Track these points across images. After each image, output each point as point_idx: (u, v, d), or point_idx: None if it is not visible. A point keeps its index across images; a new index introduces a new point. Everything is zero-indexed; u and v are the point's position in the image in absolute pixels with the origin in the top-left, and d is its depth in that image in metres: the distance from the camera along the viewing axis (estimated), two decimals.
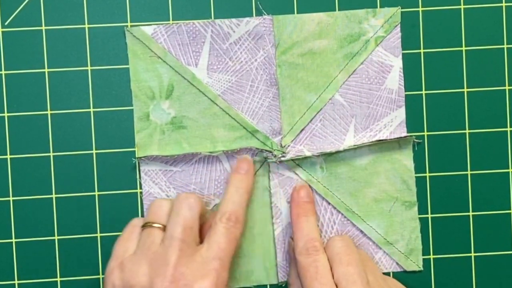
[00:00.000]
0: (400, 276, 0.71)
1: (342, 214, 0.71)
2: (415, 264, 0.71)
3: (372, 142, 0.69)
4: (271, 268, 0.71)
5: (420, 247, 0.71)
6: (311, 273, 0.64)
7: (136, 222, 0.67)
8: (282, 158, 0.70)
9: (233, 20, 0.70)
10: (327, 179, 0.71)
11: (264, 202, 0.71)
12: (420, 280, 0.71)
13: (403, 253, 0.71)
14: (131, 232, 0.67)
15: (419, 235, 0.71)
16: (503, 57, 0.71)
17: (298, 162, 0.70)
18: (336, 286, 0.63)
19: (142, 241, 0.65)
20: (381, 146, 0.70)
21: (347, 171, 0.70)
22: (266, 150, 0.70)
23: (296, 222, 0.67)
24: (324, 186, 0.70)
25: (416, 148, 0.71)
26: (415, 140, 0.71)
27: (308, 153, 0.70)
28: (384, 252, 0.71)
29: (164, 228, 0.65)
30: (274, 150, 0.70)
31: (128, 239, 0.66)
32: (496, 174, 0.71)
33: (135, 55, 0.70)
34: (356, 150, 0.71)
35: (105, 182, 0.70)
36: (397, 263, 0.71)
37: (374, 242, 0.71)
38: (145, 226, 0.66)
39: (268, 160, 0.70)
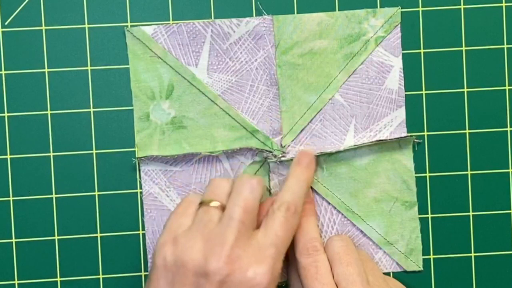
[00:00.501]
0: (400, 276, 0.71)
1: (342, 214, 0.71)
2: (415, 264, 0.71)
3: (372, 142, 0.69)
4: None
5: (420, 247, 0.71)
6: (311, 273, 0.64)
7: (193, 199, 0.66)
8: (282, 158, 0.70)
9: (233, 20, 0.70)
10: (327, 179, 0.71)
11: None
12: (420, 280, 0.71)
13: (403, 253, 0.71)
14: (187, 207, 0.65)
15: (419, 235, 0.71)
16: (503, 57, 0.71)
17: None
18: (336, 286, 0.63)
19: (198, 218, 0.63)
20: (381, 146, 0.70)
21: (347, 171, 0.70)
22: (266, 150, 0.70)
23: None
24: (324, 186, 0.70)
25: (416, 148, 0.71)
26: (415, 140, 0.71)
27: None
28: (384, 252, 0.71)
29: (222, 208, 0.63)
30: (274, 150, 0.70)
31: (183, 214, 0.64)
32: (496, 174, 0.71)
33: (135, 55, 0.70)
34: (356, 150, 0.71)
35: (105, 182, 0.70)
36: (397, 263, 0.71)
37: (374, 242, 0.71)
38: (202, 203, 0.64)
39: (268, 160, 0.70)
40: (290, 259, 0.70)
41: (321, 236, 0.69)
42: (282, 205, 0.64)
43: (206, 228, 0.62)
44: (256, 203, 0.63)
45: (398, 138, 0.70)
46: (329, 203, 0.70)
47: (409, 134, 0.71)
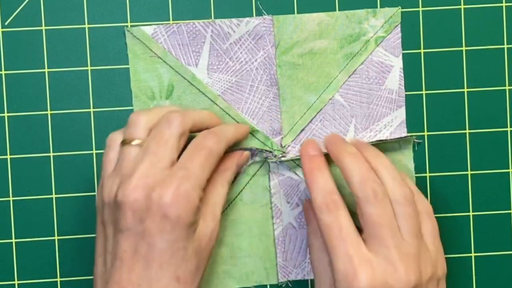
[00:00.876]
0: None
1: None
2: None
3: (372, 142, 0.69)
4: (271, 268, 0.71)
5: None
6: (335, 232, 0.60)
7: (115, 137, 0.65)
8: (282, 158, 0.70)
9: (233, 20, 0.70)
10: None
11: (264, 202, 0.71)
12: None
13: None
14: (110, 149, 0.65)
15: None
16: (503, 57, 0.71)
17: (298, 162, 0.70)
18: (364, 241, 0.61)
19: (120, 159, 0.63)
20: (381, 146, 0.70)
21: None
22: (266, 150, 0.70)
23: (310, 176, 0.63)
24: None
25: (416, 148, 0.71)
26: (415, 140, 0.71)
27: None
28: None
29: (139, 144, 0.63)
30: (274, 150, 0.70)
31: (108, 159, 0.65)
32: (496, 174, 0.71)
33: (135, 55, 0.70)
34: None
35: None
36: None
37: None
38: (123, 143, 0.64)
39: (268, 160, 0.70)
40: (306, 218, 0.69)
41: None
42: (204, 131, 0.65)
43: (122, 164, 0.62)
44: (173, 135, 0.62)
45: (398, 138, 0.70)
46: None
47: (409, 134, 0.71)
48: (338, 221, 0.61)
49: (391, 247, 0.59)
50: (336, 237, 0.60)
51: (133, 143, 0.63)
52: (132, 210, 0.59)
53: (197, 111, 0.67)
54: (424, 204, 0.65)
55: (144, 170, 0.60)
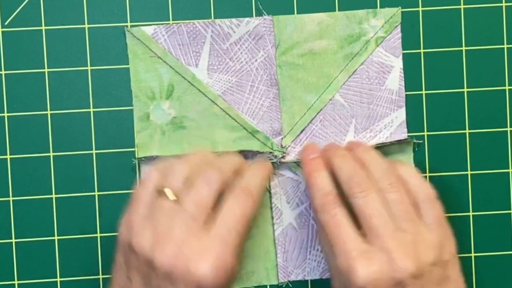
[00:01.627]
0: None
1: None
2: None
3: (372, 145, 0.69)
4: (271, 268, 0.71)
5: None
6: (333, 230, 0.62)
7: (153, 178, 0.64)
8: (283, 160, 0.70)
9: (234, 20, 0.70)
10: None
11: (264, 203, 0.71)
12: None
13: None
14: (143, 192, 0.64)
15: None
16: (503, 57, 0.71)
17: (299, 163, 0.70)
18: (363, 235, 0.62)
19: (152, 207, 0.62)
20: (381, 148, 0.70)
21: None
22: (267, 152, 0.70)
23: (308, 179, 0.66)
24: None
25: (416, 149, 0.71)
26: (416, 141, 0.71)
27: None
28: None
29: (175, 197, 0.62)
30: (275, 150, 0.70)
31: (139, 200, 0.64)
32: (496, 174, 0.72)
33: (136, 56, 0.70)
34: None
35: (105, 182, 0.70)
36: None
37: None
38: (157, 190, 0.63)
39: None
40: (316, 222, 0.70)
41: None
42: (236, 188, 0.64)
43: (157, 217, 0.61)
44: (210, 198, 0.62)
45: (397, 141, 0.70)
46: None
47: (408, 135, 0.71)
48: (334, 219, 0.62)
49: (384, 236, 0.60)
50: (334, 234, 0.61)
51: (169, 196, 0.62)
52: (166, 273, 0.59)
53: (229, 159, 0.67)
54: (426, 191, 0.65)
55: (181, 233, 0.60)
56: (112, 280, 0.64)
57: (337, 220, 0.62)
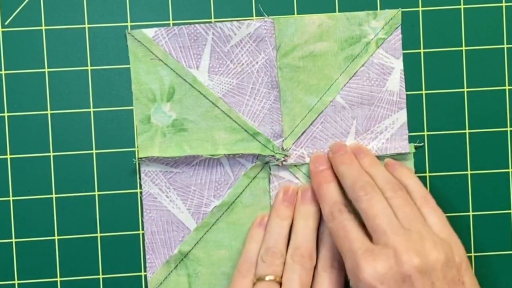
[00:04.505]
0: None
1: None
2: None
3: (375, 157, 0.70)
4: None
5: None
6: (341, 235, 0.63)
7: (248, 270, 0.68)
8: (284, 163, 0.70)
9: (234, 22, 0.70)
10: None
11: (264, 205, 0.71)
12: None
13: None
14: (243, 282, 0.67)
15: None
16: (503, 57, 0.71)
17: (299, 166, 0.70)
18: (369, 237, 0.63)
19: None
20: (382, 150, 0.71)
21: None
22: (269, 155, 0.70)
23: (318, 191, 0.67)
24: None
25: (416, 149, 0.71)
26: (416, 144, 0.71)
27: (308, 159, 0.70)
28: None
29: (276, 281, 0.65)
30: (276, 153, 0.70)
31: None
32: (496, 174, 0.72)
33: (136, 58, 0.70)
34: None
35: (105, 182, 0.71)
36: None
37: None
38: (258, 278, 0.66)
39: (270, 164, 0.70)
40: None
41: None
42: (295, 252, 0.66)
43: None
44: (309, 280, 0.65)
45: (397, 153, 0.70)
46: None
47: (409, 135, 0.71)
48: (342, 224, 0.63)
49: (389, 234, 0.60)
50: (342, 238, 0.62)
51: (267, 278, 0.66)
52: None
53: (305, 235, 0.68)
54: (425, 197, 0.66)
55: None
56: None
57: (345, 225, 0.63)
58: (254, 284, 0.66)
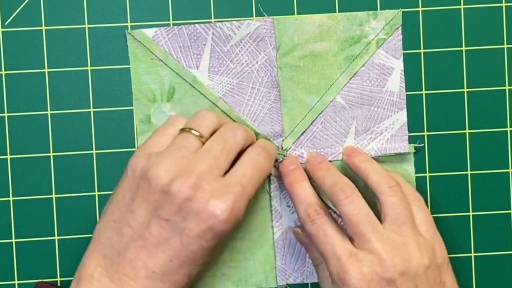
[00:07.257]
0: None
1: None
2: None
3: (374, 157, 0.70)
4: (270, 271, 0.71)
5: None
6: (321, 239, 0.63)
7: (177, 121, 0.66)
8: None
9: (234, 22, 0.70)
10: None
11: (264, 205, 0.71)
12: None
13: None
14: (167, 129, 0.65)
15: None
16: (503, 57, 0.71)
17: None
18: (351, 240, 0.63)
19: (175, 141, 0.63)
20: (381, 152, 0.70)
21: (346, 174, 0.69)
22: None
23: (290, 190, 0.67)
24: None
25: (416, 150, 0.71)
26: (417, 145, 0.71)
27: None
28: None
29: (201, 139, 0.63)
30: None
31: (163, 134, 0.65)
32: (496, 174, 0.72)
33: (136, 58, 0.70)
34: None
35: (105, 182, 0.71)
36: None
37: None
38: (183, 129, 0.64)
39: None
40: (301, 243, 0.71)
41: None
42: (254, 145, 0.66)
43: (180, 152, 0.62)
44: (236, 147, 0.64)
45: (397, 153, 0.71)
46: (329, 207, 0.70)
47: (409, 135, 0.71)
48: (321, 227, 0.64)
49: (373, 240, 0.62)
50: (323, 242, 0.63)
51: (193, 132, 0.64)
52: (181, 206, 0.60)
53: (250, 130, 0.68)
54: (414, 195, 0.67)
55: (203, 171, 0.61)
56: (106, 211, 0.64)
57: (323, 229, 0.64)
58: None
